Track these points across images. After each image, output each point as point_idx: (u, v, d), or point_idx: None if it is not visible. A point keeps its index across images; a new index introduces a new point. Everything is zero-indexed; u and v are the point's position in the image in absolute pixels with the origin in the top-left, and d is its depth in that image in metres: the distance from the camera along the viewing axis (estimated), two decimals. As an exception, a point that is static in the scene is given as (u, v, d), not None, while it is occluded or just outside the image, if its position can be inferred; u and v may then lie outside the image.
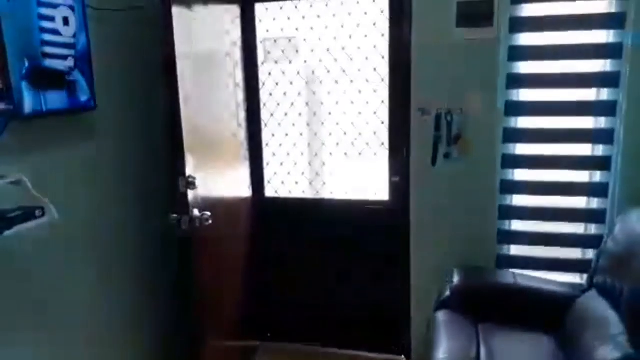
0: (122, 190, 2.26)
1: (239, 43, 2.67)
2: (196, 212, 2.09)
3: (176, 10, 1.99)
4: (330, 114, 3.02)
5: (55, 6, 1.75)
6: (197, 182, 2.07)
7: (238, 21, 2.66)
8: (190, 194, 2.06)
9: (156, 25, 2.03)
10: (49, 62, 1.74)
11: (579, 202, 2.51)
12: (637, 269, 1.71)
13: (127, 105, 2.27)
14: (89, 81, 1.93)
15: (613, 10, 2.24)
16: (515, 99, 2.39)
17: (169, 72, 1.99)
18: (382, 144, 2.78)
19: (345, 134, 3.00)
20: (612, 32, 2.26)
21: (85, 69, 1.90)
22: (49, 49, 1.74)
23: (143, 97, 2.35)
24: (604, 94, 2.34)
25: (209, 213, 2.11)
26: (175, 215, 2.06)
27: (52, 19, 1.75)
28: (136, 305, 2.37)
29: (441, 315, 2.19)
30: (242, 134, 2.73)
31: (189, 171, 2.04)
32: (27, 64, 1.64)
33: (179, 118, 2.01)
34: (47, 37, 1.73)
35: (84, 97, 1.91)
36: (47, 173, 1.80)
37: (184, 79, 2.03)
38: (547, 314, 2.11)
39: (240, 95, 2.70)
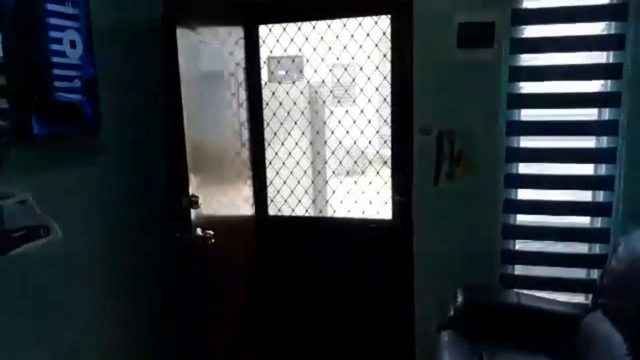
0: (125, 209, 2.27)
1: (243, 63, 2.70)
2: (199, 231, 2.10)
3: (180, 32, 2.03)
4: (332, 133, 3.04)
5: (62, 39, 1.79)
6: (200, 201, 2.09)
7: (242, 42, 2.70)
8: (193, 213, 2.07)
9: (161, 46, 2.07)
10: (59, 96, 1.78)
11: (582, 221, 2.50)
12: (640, 290, 1.70)
13: (131, 125, 2.29)
14: (95, 104, 1.96)
15: (612, 31, 2.26)
16: (516, 118, 2.40)
17: (172, 93, 2.02)
18: (385, 162, 2.79)
19: (347, 152, 3.02)
20: (611, 53, 2.28)
21: (91, 94, 1.93)
22: (59, 84, 1.78)
23: (147, 116, 2.38)
24: (606, 114, 2.34)
25: (211, 232, 2.12)
26: (178, 234, 2.06)
27: (62, 53, 1.79)
28: (136, 323, 2.37)
29: (444, 336, 2.17)
30: (245, 153, 2.75)
31: (192, 190, 2.06)
32: (36, 98, 1.69)
33: (183, 138, 2.03)
34: (57, 71, 1.77)
35: (89, 120, 1.94)
36: (51, 192, 1.81)
37: (187, 99, 2.05)
38: (552, 334, 2.08)
39: (244, 115, 2.73)
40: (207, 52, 2.34)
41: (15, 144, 1.62)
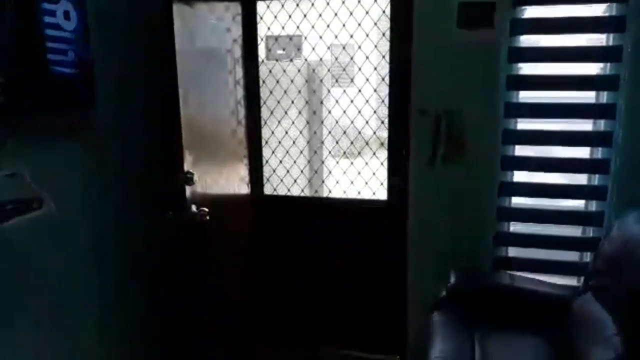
0: (120, 185, 2.26)
1: (240, 40, 2.67)
2: (194, 208, 2.09)
3: (177, 8, 1.99)
4: (329, 112, 3.02)
5: (56, 12, 1.74)
6: (195, 179, 2.08)
7: (239, 18, 2.66)
8: (188, 190, 2.06)
9: (157, 21, 2.04)
10: (53, 69, 1.74)
11: (577, 204, 2.51)
12: (631, 271, 1.71)
13: (126, 101, 2.27)
14: (90, 81, 1.92)
15: (613, 13, 2.24)
16: (515, 100, 2.39)
17: (168, 69, 1.99)
18: (382, 143, 2.78)
19: (344, 133, 3.00)
20: (612, 35, 2.26)
21: (86, 71, 1.89)
22: (52, 57, 1.74)
23: (142, 92, 2.36)
24: (604, 97, 2.33)
25: (206, 209, 2.12)
26: (170, 212, 2.06)
27: (56, 25, 1.74)
28: (131, 299, 2.38)
29: (437, 316, 2.19)
30: (242, 131, 2.73)
31: (187, 167, 2.05)
32: (31, 73, 1.65)
33: (178, 114, 2.01)
34: (51, 44, 1.72)
35: (84, 97, 1.91)
36: (45, 167, 1.80)
37: (183, 76, 2.03)
38: (543, 316, 2.11)
39: (240, 93, 2.70)
40: (204, 28, 2.31)
41: (8, 119, 1.61)
